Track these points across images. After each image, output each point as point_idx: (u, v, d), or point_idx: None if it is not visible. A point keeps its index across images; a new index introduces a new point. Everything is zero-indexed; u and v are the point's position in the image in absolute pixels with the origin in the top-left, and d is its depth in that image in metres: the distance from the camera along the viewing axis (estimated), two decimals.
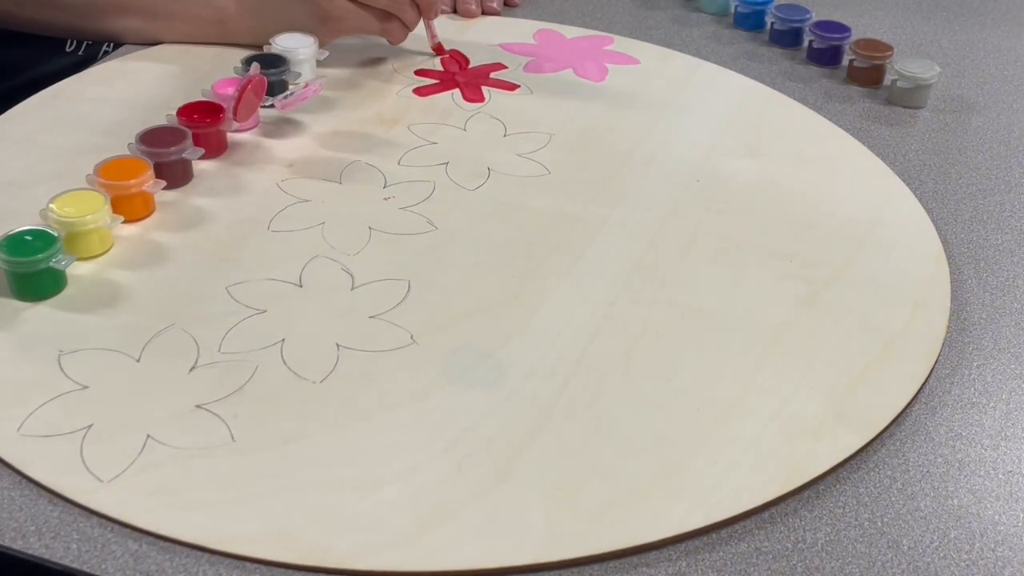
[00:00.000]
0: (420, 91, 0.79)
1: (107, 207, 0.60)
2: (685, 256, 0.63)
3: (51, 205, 0.59)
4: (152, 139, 0.66)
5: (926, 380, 0.56)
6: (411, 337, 0.56)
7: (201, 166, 0.68)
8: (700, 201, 0.68)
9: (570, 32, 0.89)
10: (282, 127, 0.73)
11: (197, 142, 0.67)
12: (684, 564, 0.46)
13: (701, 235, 0.65)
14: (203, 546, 0.45)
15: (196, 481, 0.48)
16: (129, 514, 0.46)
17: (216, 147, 0.69)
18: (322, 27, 0.77)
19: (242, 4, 0.80)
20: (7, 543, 0.45)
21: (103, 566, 0.44)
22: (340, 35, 0.79)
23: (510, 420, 0.52)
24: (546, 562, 0.46)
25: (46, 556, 0.45)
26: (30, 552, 0.45)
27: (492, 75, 0.82)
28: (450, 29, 0.88)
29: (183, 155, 0.66)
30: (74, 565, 0.44)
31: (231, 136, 0.71)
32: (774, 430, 0.52)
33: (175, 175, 0.66)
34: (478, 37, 0.87)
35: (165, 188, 0.64)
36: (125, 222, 0.62)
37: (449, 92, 0.79)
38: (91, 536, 0.46)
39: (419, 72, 0.81)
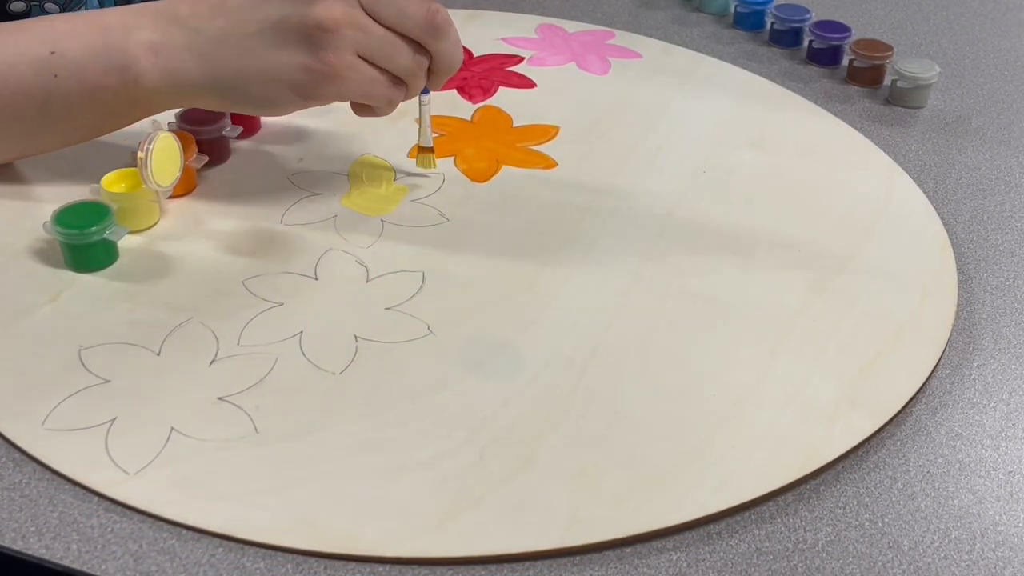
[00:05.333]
0: None
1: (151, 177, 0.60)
2: (695, 246, 0.64)
3: (101, 182, 0.61)
4: (191, 118, 0.66)
5: (936, 366, 0.57)
6: (428, 328, 0.57)
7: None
8: (707, 192, 0.69)
9: (572, 27, 0.90)
10: (289, 123, 0.73)
11: (201, 148, 0.66)
12: (684, 564, 0.47)
13: (710, 226, 0.66)
14: (231, 536, 0.46)
15: (222, 472, 0.48)
16: (157, 505, 0.46)
17: (221, 149, 0.69)
18: (313, 85, 0.58)
19: (163, 54, 0.58)
20: (7, 543, 0.45)
21: (103, 566, 0.45)
22: (335, 98, 0.60)
23: (529, 409, 0.52)
24: (571, 546, 0.46)
25: (46, 556, 0.45)
26: (30, 552, 0.45)
27: (501, 69, 0.82)
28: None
29: (223, 132, 0.67)
30: (74, 565, 0.45)
31: None
32: (790, 415, 0.53)
33: (214, 152, 0.67)
34: (480, 31, 0.87)
35: (206, 166, 0.66)
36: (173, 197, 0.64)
37: (454, 88, 0.79)
38: (91, 536, 0.46)
39: None
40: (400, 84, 0.61)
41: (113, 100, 0.60)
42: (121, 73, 0.59)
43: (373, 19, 0.58)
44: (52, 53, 0.59)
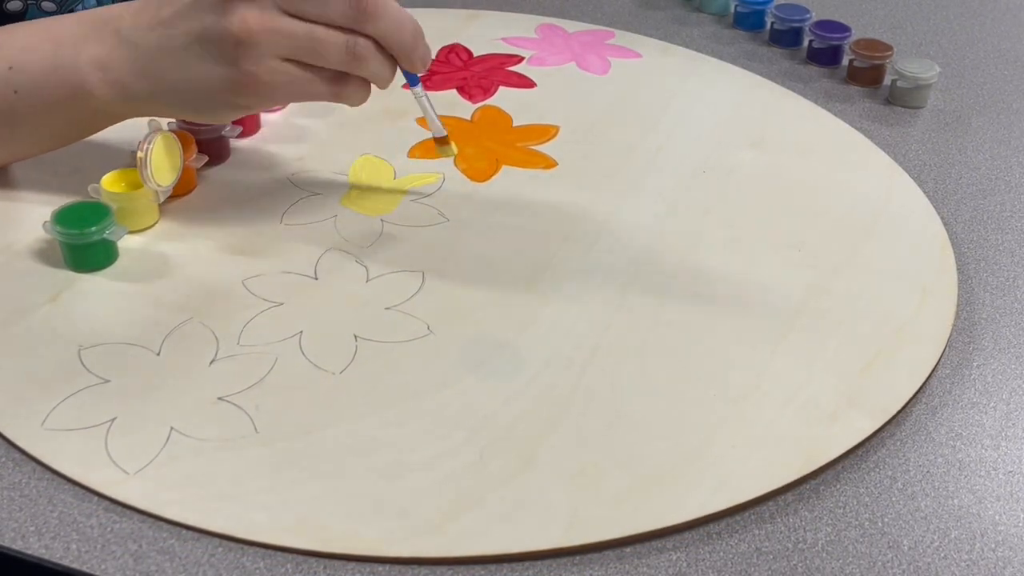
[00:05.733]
0: (425, 85, 0.79)
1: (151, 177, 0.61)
2: (695, 246, 0.64)
3: (101, 182, 0.61)
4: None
5: (936, 366, 0.57)
6: (428, 328, 0.57)
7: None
8: (707, 192, 0.69)
9: (572, 26, 0.90)
10: (289, 123, 0.73)
11: (201, 148, 0.66)
12: (684, 564, 0.47)
13: (710, 225, 0.66)
14: (232, 536, 0.46)
15: (222, 472, 0.48)
16: (157, 505, 0.46)
17: (221, 149, 0.69)
18: (240, 96, 0.57)
19: (109, 69, 0.59)
20: (7, 543, 0.45)
21: (103, 566, 0.45)
22: (269, 104, 0.60)
23: (529, 409, 0.52)
24: (571, 546, 0.46)
25: (46, 556, 0.45)
26: (30, 552, 0.45)
27: (503, 68, 0.82)
28: (451, 24, 0.88)
29: (223, 132, 0.67)
30: (74, 565, 0.45)
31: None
32: (790, 415, 0.53)
33: (214, 152, 0.67)
34: (480, 31, 0.87)
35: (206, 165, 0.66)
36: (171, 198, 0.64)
37: (454, 88, 0.79)
38: (91, 536, 0.46)
39: None
40: (343, 77, 0.58)
41: (73, 111, 0.61)
42: (75, 88, 0.59)
43: (298, 17, 0.56)
44: (10, 68, 0.60)
